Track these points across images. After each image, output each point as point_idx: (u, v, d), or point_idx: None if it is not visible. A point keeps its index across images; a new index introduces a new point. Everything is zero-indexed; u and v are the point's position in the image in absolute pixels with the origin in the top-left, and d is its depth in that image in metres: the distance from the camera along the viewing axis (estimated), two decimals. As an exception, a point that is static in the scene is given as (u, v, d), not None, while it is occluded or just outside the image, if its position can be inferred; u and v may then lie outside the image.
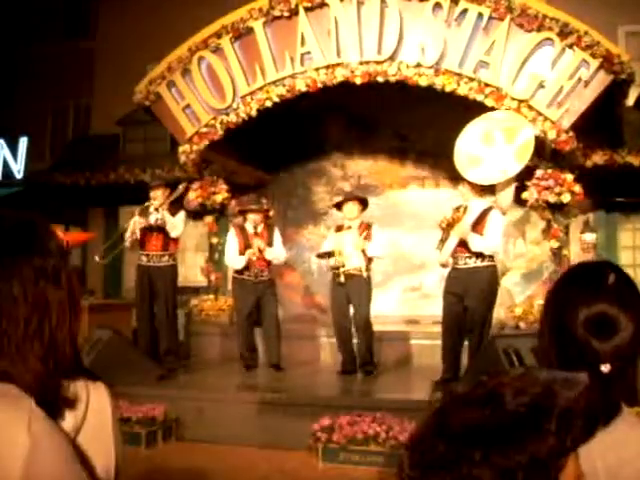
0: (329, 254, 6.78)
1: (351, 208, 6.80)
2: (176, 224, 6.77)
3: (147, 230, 6.73)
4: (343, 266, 6.63)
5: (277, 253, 7.05)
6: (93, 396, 1.06)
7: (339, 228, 6.93)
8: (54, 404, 0.97)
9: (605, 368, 1.14)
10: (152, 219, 6.65)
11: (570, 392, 0.89)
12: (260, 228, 7.05)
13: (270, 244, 7.01)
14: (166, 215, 6.67)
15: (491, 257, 5.94)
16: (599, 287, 1.20)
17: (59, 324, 1.00)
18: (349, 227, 6.80)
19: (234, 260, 7.03)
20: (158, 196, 6.75)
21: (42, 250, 1.02)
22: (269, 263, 7.04)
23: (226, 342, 7.99)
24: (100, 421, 1.07)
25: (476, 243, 5.81)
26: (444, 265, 6.15)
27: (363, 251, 6.64)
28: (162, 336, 6.76)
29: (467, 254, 5.89)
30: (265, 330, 7.12)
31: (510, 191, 7.80)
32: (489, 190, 6.60)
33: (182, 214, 6.90)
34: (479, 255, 5.86)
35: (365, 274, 6.64)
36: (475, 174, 6.28)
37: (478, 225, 5.87)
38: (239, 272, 7.03)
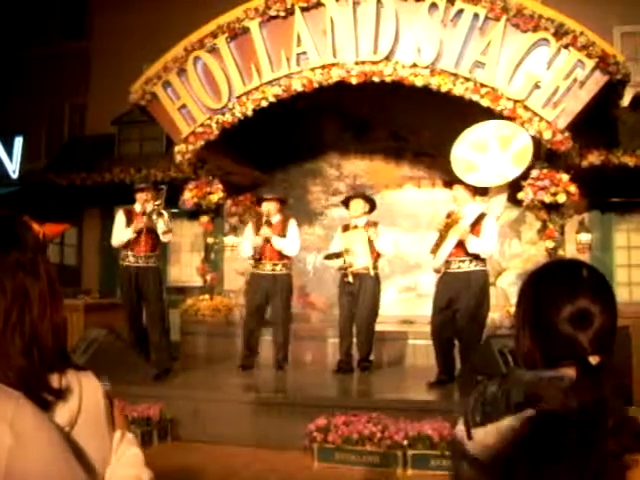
0: (337, 255, 6.79)
1: (357, 205, 6.84)
2: (171, 230, 6.79)
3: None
4: (351, 266, 6.64)
5: (284, 244, 6.89)
6: (85, 387, 1.05)
7: (345, 228, 6.94)
8: (42, 398, 0.96)
9: (594, 360, 1.14)
10: (161, 224, 6.57)
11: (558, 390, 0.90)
12: (276, 219, 7.00)
13: (284, 235, 6.94)
14: (168, 220, 6.67)
15: (484, 261, 5.95)
16: (578, 282, 1.23)
17: (40, 316, 1.00)
18: (355, 226, 6.82)
19: (243, 249, 7.15)
20: (149, 199, 6.69)
21: (19, 243, 1.01)
22: (282, 256, 6.92)
23: (222, 342, 7.98)
24: (94, 412, 1.06)
25: (474, 244, 5.82)
26: (437, 270, 6.16)
27: (370, 250, 6.65)
28: (153, 336, 6.72)
29: (462, 257, 5.90)
30: (272, 327, 7.05)
31: (503, 196, 7.82)
32: (482, 194, 6.63)
33: None
34: (473, 259, 5.88)
35: (372, 272, 6.66)
36: (473, 178, 6.33)
37: (474, 229, 5.89)
38: (254, 265, 7.01)
